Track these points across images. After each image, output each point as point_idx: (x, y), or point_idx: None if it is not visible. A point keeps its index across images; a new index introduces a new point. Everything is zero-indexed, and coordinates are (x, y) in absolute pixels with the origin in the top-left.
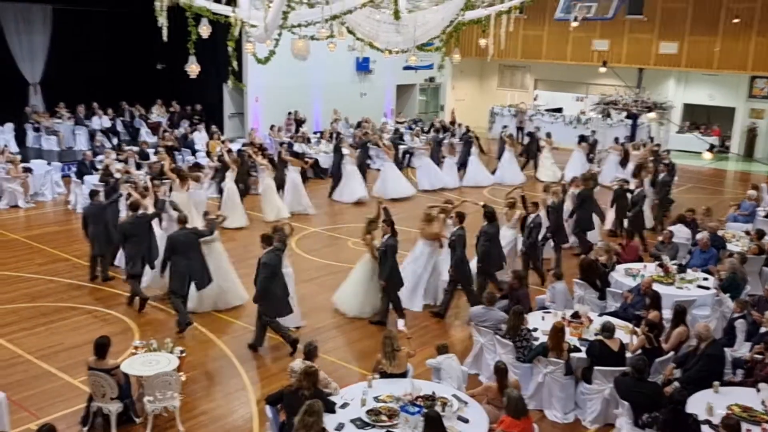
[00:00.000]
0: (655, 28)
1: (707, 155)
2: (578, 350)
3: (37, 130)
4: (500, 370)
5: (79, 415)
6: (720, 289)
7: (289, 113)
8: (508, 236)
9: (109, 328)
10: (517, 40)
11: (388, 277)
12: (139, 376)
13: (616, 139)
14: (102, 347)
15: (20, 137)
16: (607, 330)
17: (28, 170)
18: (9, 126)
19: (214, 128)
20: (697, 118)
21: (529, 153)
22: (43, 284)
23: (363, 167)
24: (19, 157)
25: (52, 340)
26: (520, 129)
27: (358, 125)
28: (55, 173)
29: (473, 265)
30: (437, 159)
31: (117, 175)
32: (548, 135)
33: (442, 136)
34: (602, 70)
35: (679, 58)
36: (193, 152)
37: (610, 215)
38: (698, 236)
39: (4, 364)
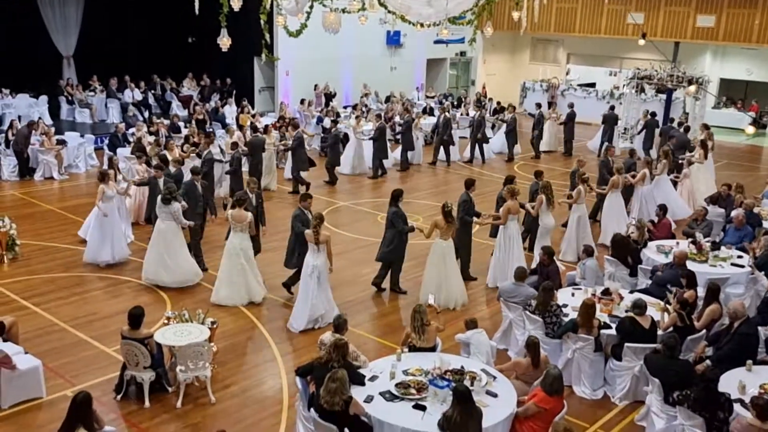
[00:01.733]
0: (692, 0)
1: (750, 129)
2: (608, 327)
3: (70, 102)
4: (532, 345)
5: (113, 382)
6: (755, 267)
7: (315, 86)
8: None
9: (141, 299)
10: (551, 12)
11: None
12: (171, 346)
13: (647, 112)
14: (136, 317)
15: (54, 110)
16: (639, 307)
17: (62, 142)
18: (43, 99)
19: (244, 102)
20: (734, 93)
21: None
22: (78, 254)
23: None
24: (53, 130)
25: (87, 310)
26: (551, 104)
27: (387, 99)
28: (89, 145)
29: None
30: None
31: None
32: (549, 106)
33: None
34: (641, 42)
35: (716, 32)
36: (224, 126)
37: None
38: (733, 213)
39: (41, 332)
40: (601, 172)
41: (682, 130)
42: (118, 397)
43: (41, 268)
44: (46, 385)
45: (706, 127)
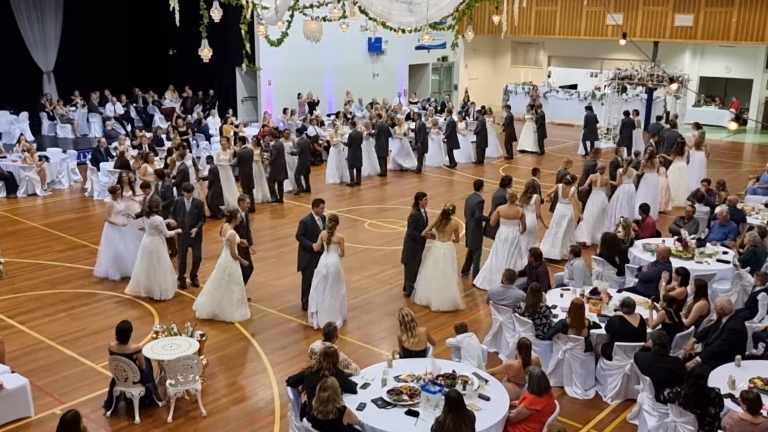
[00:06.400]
0: (670, 0)
1: (732, 125)
2: (598, 326)
3: (51, 118)
4: (524, 346)
5: (103, 399)
6: (739, 263)
7: (299, 95)
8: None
9: (129, 313)
10: (531, 15)
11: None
12: (160, 360)
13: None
14: (124, 332)
15: (35, 126)
16: (627, 305)
17: (44, 158)
18: (24, 115)
19: (228, 113)
20: (714, 90)
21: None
22: (63, 271)
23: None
24: (35, 146)
25: (74, 326)
26: (533, 107)
27: (371, 106)
28: (71, 161)
29: None
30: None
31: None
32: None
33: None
34: (622, 42)
35: (695, 30)
36: (207, 137)
37: None
38: (717, 209)
39: (28, 350)
40: (586, 174)
41: (668, 126)
42: (108, 413)
43: (26, 285)
44: (34, 404)
45: (698, 126)
